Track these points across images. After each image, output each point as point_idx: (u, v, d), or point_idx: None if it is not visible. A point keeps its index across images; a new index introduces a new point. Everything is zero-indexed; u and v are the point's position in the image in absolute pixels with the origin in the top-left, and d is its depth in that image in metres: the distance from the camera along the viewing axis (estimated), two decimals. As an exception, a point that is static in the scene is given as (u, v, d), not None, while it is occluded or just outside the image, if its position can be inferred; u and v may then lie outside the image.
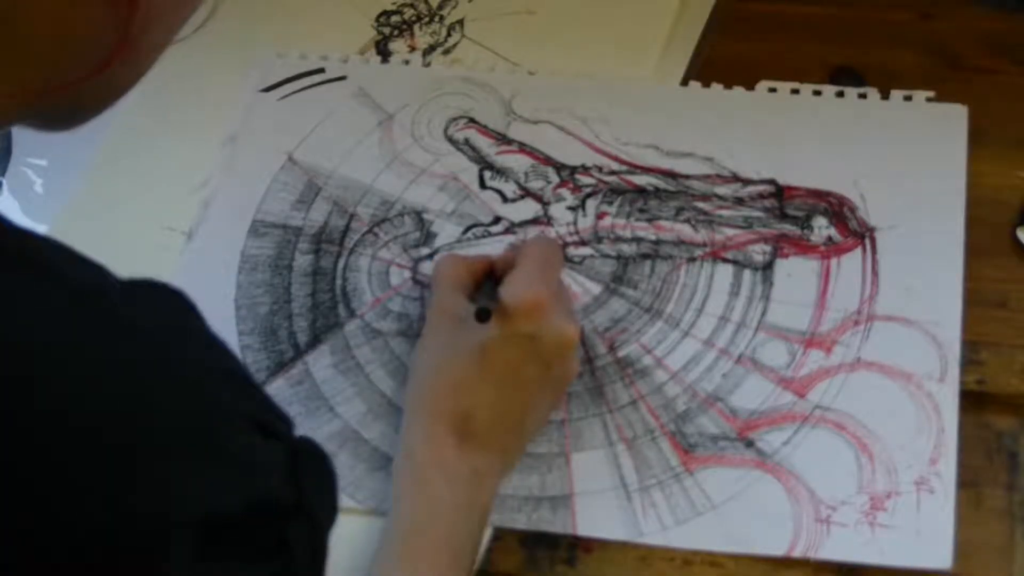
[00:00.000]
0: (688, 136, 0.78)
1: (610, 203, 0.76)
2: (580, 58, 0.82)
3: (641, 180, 0.77)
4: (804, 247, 0.73)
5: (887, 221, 0.73)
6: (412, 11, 0.85)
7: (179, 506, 0.40)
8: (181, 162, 0.79)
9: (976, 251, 0.72)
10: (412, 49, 0.84)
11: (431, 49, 0.84)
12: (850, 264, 0.72)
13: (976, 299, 0.71)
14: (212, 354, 0.45)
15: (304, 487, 0.45)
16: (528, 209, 0.77)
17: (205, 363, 0.44)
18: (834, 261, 0.73)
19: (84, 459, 0.39)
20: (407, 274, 0.75)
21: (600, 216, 0.76)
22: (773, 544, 0.65)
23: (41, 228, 0.77)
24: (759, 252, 0.74)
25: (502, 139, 0.79)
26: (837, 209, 0.74)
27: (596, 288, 0.73)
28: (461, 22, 0.85)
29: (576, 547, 0.66)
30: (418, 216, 0.77)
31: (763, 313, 0.72)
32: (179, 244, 0.77)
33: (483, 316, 0.64)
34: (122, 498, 0.39)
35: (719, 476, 0.67)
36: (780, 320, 0.71)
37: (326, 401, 0.71)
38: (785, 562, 0.65)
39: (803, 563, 0.64)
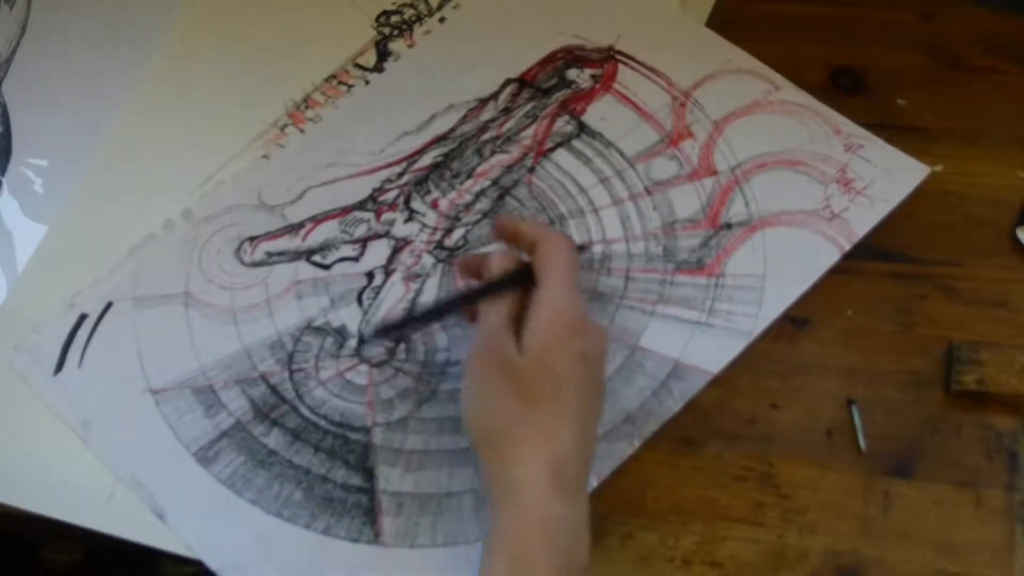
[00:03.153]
0: (414, 109, 0.79)
1: (427, 191, 0.76)
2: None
3: (426, 160, 0.77)
4: (586, 95, 0.79)
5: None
6: (412, 11, 0.85)
7: None
8: (181, 162, 0.79)
9: (976, 251, 0.73)
10: (411, 48, 0.84)
11: (431, 49, 0.84)
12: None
13: (976, 299, 0.71)
14: None
15: None
16: (381, 249, 0.74)
17: None
18: (615, 86, 0.79)
19: None
20: (364, 367, 0.71)
21: (434, 204, 0.76)
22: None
23: (41, 228, 0.77)
24: (565, 123, 0.77)
25: (293, 228, 0.76)
26: (570, 56, 0.80)
27: (495, 247, 0.68)
28: (461, 22, 0.85)
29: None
30: (308, 326, 0.72)
31: (623, 154, 0.76)
32: (179, 244, 0.77)
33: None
34: None
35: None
36: (637, 149, 0.76)
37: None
38: (785, 562, 0.65)
39: (803, 563, 0.65)
